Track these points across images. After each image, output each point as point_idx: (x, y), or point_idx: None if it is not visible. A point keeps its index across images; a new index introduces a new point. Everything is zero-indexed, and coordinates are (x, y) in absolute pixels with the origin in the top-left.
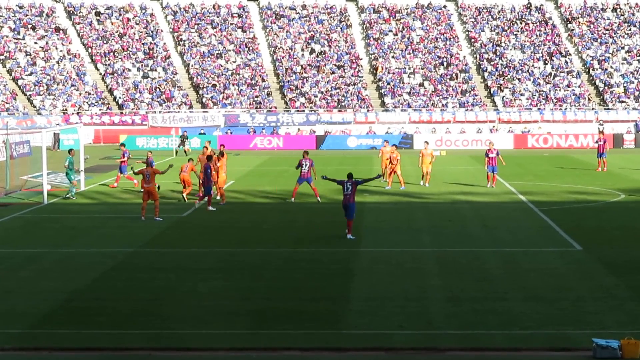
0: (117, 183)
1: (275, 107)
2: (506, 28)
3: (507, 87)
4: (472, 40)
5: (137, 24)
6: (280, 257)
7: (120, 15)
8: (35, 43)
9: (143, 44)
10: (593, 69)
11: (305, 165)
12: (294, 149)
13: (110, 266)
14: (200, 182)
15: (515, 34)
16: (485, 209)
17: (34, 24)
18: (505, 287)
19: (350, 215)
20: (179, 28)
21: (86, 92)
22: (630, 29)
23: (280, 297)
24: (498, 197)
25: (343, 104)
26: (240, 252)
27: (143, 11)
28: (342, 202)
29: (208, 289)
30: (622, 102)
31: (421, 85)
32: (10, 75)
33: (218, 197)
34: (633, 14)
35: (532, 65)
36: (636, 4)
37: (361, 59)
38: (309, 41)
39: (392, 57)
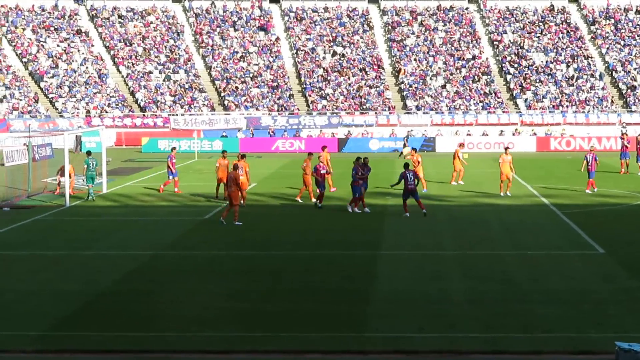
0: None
1: (298, 109)
2: (529, 30)
3: (529, 90)
4: (495, 42)
5: (159, 27)
6: (300, 259)
7: (142, 17)
8: (58, 45)
9: (165, 46)
10: (616, 71)
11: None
12: (317, 151)
13: (131, 269)
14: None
15: (538, 36)
16: (507, 212)
17: (56, 27)
18: (527, 290)
19: (417, 197)
20: (201, 30)
21: (108, 94)
22: None
23: (300, 299)
24: (520, 200)
25: (365, 106)
26: (260, 255)
27: (165, 13)
28: (408, 190)
29: (228, 292)
30: None
31: (443, 87)
32: (33, 77)
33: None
34: None
35: (555, 68)
36: None
37: (383, 61)
38: (331, 43)
39: (414, 59)
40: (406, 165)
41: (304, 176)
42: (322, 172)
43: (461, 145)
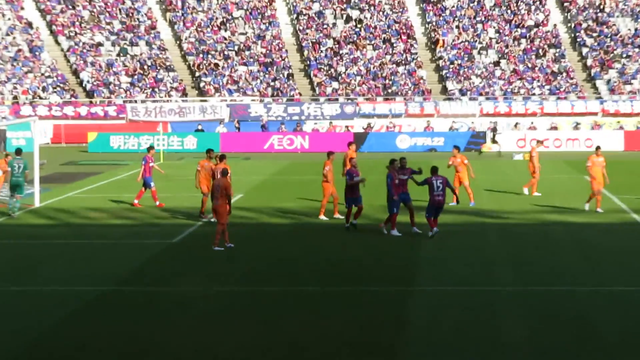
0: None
1: (299, 95)
2: None
3: (613, 68)
4: (565, 3)
5: None
6: (305, 299)
7: None
8: None
9: (120, 9)
10: None
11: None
12: (324, 151)
13: (75, 311)
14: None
15: None
16: (585, 233)
17: None
18: (618, 344)
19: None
20: None
21: (43, 74)
22: None
23: (307, 355)
24: (604, 218)
25: (390, 90)
26: (250, 292)
27: None
28: (435, 204)
29: (206, 345)
30: None
31: (496, 64)
32: None
33: (214, 219)
34: None
35: None
36: None
37: (415, 30)
38: (344, 5)
39: (457, 26)
40: (434, 170)
41: (324, 184)
42: (357, 179)
43: (539, 142)
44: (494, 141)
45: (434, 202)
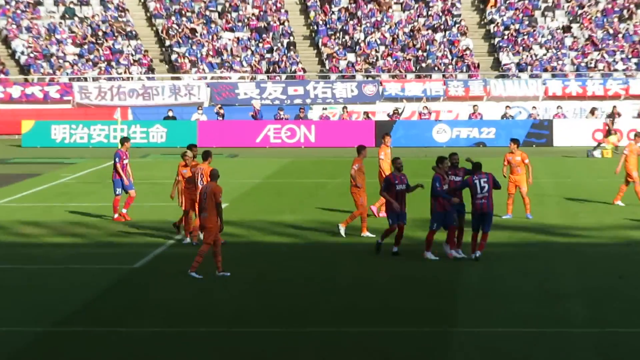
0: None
1: (303, 70)
2: None
3: None
4: None
5: None
6: (313, 342)
7: None
8: None
9: None
10: None
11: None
12: (336, 146)
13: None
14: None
15: None
16: None
17: None
18: None
19: (487, 227)
20: None
21: None
22: None
23: None
24: None
25: (425, 64)
26: (238, 333)
27: None
28: (477, 210)
29: None
30: None
31: (566, 31)
32: None
33: (188, 239)
34: None
35: None
36: None
37: None
38: None
39: None
40: (477, 166)
41: (354, 190)
42: (400, 188)
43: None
44: (609, 132)
45: (476, 207)
